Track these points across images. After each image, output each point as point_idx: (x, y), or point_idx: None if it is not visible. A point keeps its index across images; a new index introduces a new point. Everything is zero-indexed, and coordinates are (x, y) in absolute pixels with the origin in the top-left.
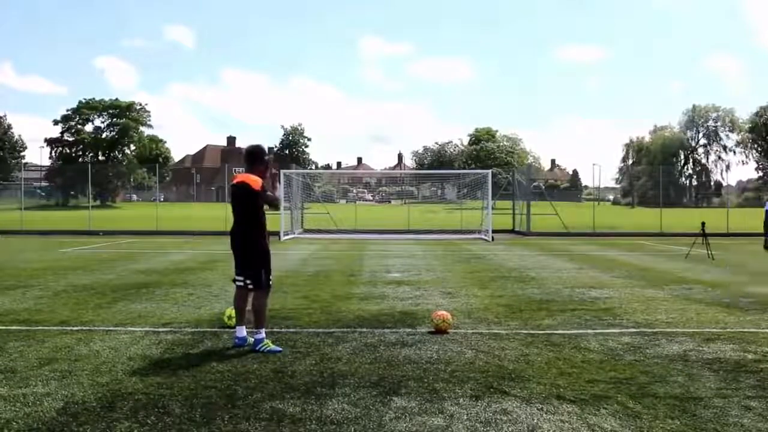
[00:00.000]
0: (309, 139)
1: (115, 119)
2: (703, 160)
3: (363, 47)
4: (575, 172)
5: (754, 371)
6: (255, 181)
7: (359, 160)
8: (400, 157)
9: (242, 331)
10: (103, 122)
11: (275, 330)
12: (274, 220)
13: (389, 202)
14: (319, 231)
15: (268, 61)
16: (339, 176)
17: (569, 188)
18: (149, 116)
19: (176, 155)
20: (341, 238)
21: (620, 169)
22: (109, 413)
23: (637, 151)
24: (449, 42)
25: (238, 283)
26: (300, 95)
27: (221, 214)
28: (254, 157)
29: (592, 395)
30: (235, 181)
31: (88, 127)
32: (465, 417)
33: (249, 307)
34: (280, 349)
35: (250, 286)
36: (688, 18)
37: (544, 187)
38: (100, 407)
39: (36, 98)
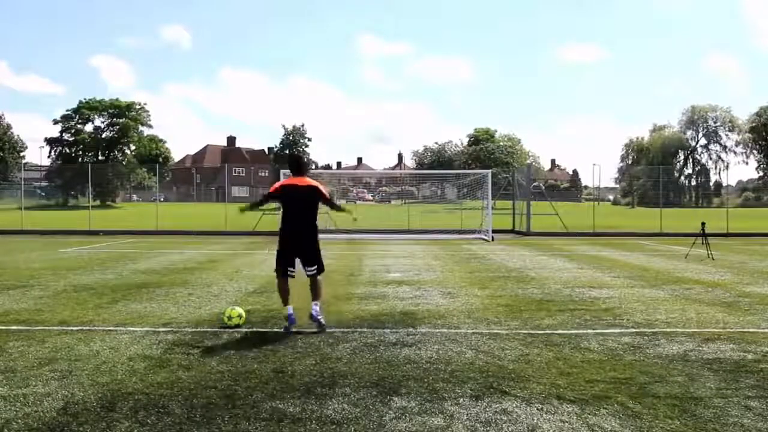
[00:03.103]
0: (309, 139)
1: (114, 119)
2: (703, 160)
3: (362, 47)
4: (575, 172)
5: (754, 371)
6: (326, 189)
7: (359, 160)
8: (400, 157)
9: (292, 309)
10: (103, 122)
11: (275, 330)
12: (273, 220)
13: (389, 202)
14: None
15: (268, 61)
16: (339, 176)
17: (569, 188)
18: (149, 116)
19: (176, 155)
20: (341, 238)
21: (620, 169)
22: (109, 413)
23: (636, 151)
24: (449, 42)
25: (290, 275)
26: (300, 95)
27: (221, 214)
28: (303, 166)
29: (592, 395)
30: (301, 184)
31: (88, 127)
32: (465, 417)
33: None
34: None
35: (315, 272)
36: (688, 18)
37: (544, 187)
38: (100, 407)
39: (33, 97)
